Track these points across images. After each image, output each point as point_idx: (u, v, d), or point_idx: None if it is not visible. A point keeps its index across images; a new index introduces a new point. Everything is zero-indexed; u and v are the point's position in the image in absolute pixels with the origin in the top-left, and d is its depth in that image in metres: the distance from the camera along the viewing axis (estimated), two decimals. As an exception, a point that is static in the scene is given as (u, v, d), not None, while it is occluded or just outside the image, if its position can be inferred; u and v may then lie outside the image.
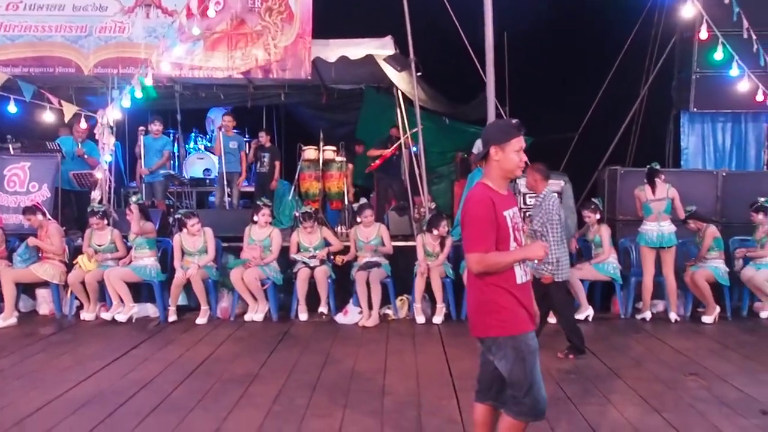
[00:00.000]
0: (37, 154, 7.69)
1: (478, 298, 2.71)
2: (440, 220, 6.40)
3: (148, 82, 7.00)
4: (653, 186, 6.26)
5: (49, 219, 6.71)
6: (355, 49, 7.61)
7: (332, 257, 6.67)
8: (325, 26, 7.65)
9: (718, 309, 6.23)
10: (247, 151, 8.83)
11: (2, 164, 7.44)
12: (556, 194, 5.19)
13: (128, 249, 6.62)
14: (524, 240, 2.82)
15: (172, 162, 9.33)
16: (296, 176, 8.27)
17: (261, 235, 6.59)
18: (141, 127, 8.38)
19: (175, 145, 9.83)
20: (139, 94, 7.09)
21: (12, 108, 7.23)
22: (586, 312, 6.27)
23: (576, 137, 9.28)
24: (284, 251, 6.66)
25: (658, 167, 6.35)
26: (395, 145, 8.33)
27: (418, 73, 7.50)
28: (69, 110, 7.29)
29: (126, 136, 9.08)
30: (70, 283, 6.39)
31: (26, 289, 6.71)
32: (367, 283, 6.24)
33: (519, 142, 2.69)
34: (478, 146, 8.78)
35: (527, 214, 5.78)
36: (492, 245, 2.62)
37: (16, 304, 6.40)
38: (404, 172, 8.57)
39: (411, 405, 4.00)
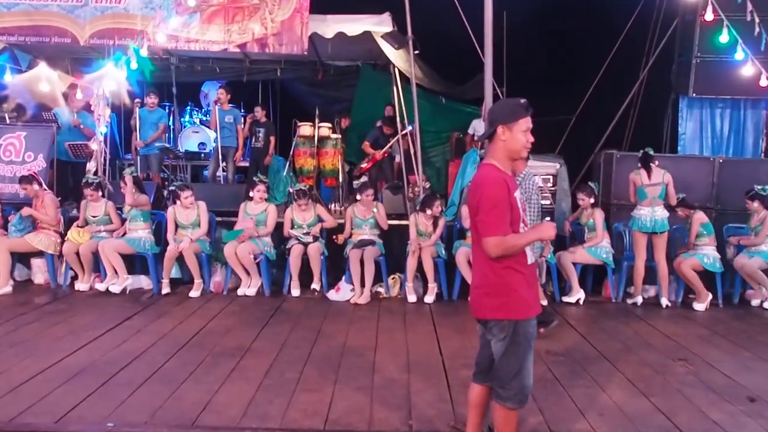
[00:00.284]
0: (33, 124, 7.67)
1: (490, 281, 2.67)
2: (434, 200, 6.41)
3: (144, 53, 6.93)
4: (649, 171, 6.26)
5: (45, 189, 6.71)
6: (353, 25, 7.54)
7: (334, 237, 6.67)
8: (322, 1, 7.55)
9: (710, 296, 6.26)
10: (243, 126, 8.79)
11: (-2, 133, 7.42)
12: (535, 176, 5.20)
13: (123, 221, 6.63)
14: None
15: (167, 135, 9.29)
16: (291, 152, 8.25)
17: (256, 210, 6.60)
18: (137, 100, 8.32)
19: (171, 118, 9.78)
20: (134, 65, 7.03)
21: (8, 77, 7.19)
22: (578, 295, 6.31)
23: (573, 120, 9.24)
24: (278, 227, 6.68)
25: (652, 152, 6.35)
26: (384, 150, 8.31)
27: (416, 52, 7.43)
28: (65, 80, 7.23)
29: (122, 108, 9.01)
30: (64, 253, 6.41)
31: (21, 258, 6.74)
32: (361, 261, 6.26)
33: (527, 123, 2.66)
34: (474, 126, 8.76)
35: None
36: (509, 228, 2.61)
37: (11, 273, 6.44)
38: (399, 152, 8.56)
39: (400, 383, 4.05)
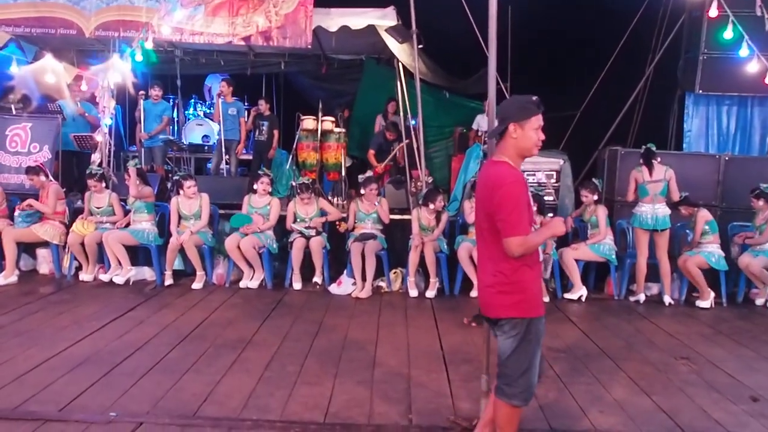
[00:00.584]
0: (39, 115, 7.70)
1: (504, 279, 2.63)
2: (436, 195, 6.41)
3: (149, 45, 6.94)
4: (650, 167, 6.24)
5: (51, 180, 6.73)
6: (357, 19, 7.52)
7: (337, 224, 6.67)
8: (327, -6, 7.55)
9: (713, 294, 6.25)
10: (246, 119, 8.80)
11: (4, 124, 7.47)
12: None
13: (126, 212, 6.66)
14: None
15: (171, 127, 9.30)
16: (294, 146, 8.26)
17: (260, 203, 6.61)
18: (141, 92, 8.34)
19: (175, 110, 9.79)
20: (139, 58, 7.04)
21: (14, 68, 7.21)
22: (580, 292, 6.30)
23: (577, 115, 9.20)
24: (281, 220, 6.69)
25: (654, 148, 6.32)
26: (386, 163, 8.30)
27: (420, 46, 7.41)
28: (70, 72, 7.25)
29: (126, 100, 9.04)
30: (69, 244, 6.44)
31: (27, 248, 6.78)
32: (362, 255, 6.27)
33: (538, 120, 2.62)
34: (477, 122, 8.73)
35: None
36: (529, 227, 2.59)
37: (17, 263, 6.47)
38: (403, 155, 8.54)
39: (401, 377, 4.06)
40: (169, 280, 6.39)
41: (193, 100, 10.55)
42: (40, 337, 4.59)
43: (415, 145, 7.61)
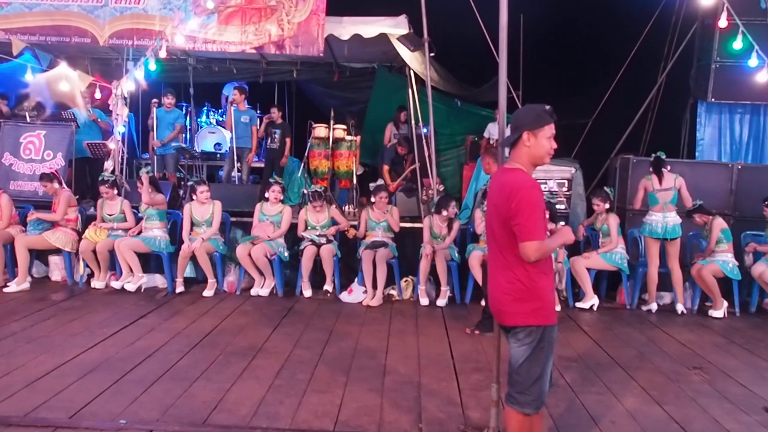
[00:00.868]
0: (52, 123, 7.79)
1: (521, 286, 2.63)
2: (449, 202, 6.40)
3: (162, 55, 7.00)
4: (660, 176, 6.20)
5: (64, 187, 6.79)
6: (369, 27, 7.55)
7: (346, 230, 6.68)
8: (339, 3, 7.57)
9: (726, 304, 6.19)
10: (258, 127, 8.84)
11: (18, 132, 7.56)
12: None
13: (138, 220, 6.70)
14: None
15: (183, 135, 9.37)
16: (306, 154, 8.28)
17: (272, 211, 6.63)
18: (154, 100, 8.41)
19: (188, 118, 9.86)
20: (152, 67, 7.11)
21: (29, 76, 7.31)
22: (591, 301, 6.26)
23: (589, 124, 9.17)
24: (292, 228, 6.71)
25: (664, 156, 6.28)
26: (398, 182, 8.28)
27: (431, 54, 7.42)
28: (84, 80, 7.33)
29: (139, 108, 9.12)
30: (81, 251, 6.49)
31: (39, 255, 6.84)
32: (373, 263, 6.27)
33: (551, 129, 2.66)
34: (489, 130, 8.72)
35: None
36: (546, 232, 2.62)
37: (29, 270, 6.52)
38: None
39: (411, 385, 4.05)
40: (180, 288, 6.42)
41: (205, 108, 10.61)
42: (51, 344, 4.62)
43: (426, 153, 7.61)
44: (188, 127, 9.92)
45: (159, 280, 6.64)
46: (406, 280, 6.61)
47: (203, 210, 6.53)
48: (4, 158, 7.44)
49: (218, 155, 9.67)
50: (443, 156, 9.48)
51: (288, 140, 8.56)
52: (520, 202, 2.55)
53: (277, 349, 4.69)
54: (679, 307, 6.25)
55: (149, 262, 6.72)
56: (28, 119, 7.87)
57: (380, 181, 8.06)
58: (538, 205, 2.57)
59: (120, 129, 7.50)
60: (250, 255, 6.33)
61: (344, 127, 8.26)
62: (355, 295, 6.34)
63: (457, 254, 6.49)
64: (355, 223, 6.83)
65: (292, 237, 6.75)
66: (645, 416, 3.68)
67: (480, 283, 6.09)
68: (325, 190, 6.99)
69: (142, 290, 6.39)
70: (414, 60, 7.97)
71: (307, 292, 6.44)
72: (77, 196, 7.07)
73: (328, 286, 6.49)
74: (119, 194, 6.79)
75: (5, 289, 6.22)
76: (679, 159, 7.79)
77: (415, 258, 6.54)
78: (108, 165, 7.33)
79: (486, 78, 8.77)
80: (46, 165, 7.33)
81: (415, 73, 8.15)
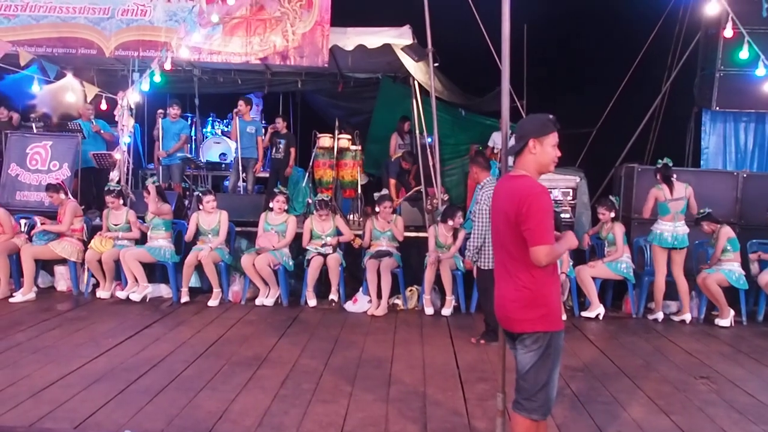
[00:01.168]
0: (58, 133, 7.84)
1: (528, 293, 2.64)
2: (456, 211, 6.40)
3: (167, 66, 7.05)
4: (670, 185, 6.18)
5: (69, 198, 6.82)
6: (373, 37, 7.60)
7: (351, 240, 6.68)
8: (343, 14, 7.63)
9: (732, 313, 6.15)
10: (263, 137, 8.88)
11: (25, 143, 7.61)
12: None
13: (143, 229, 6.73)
14: None
15: (189, 146, 9.42)
16: (310, 163, 8.31)
17: (277, 221, 6.65)
18: (159, 110, 8.46)
19: (193, 129, 9.91)
20: (158, 78, 7.16)
21: (35, 88, 7.36)
22: (597, 310, 6.23)
23: (594, 132, 9.18)
24: (297, 237, 6.71)
25: (670, 164, 6.27)
26: (405, 198, 8.30)
27: (436, 64, 7.46)
28: (90, 91, 7.39)
29: (145, 119, 9.18)
30: (87, 261, 6.51)
31: (45, 265, 6.86)
32: (378, 273, 6.26)
33: (555, 137, 2.71)
34: (493, 139, 8.73)
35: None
36: (554, 237, 2.64)
37: (35, 280, 6.53)
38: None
39: (416, 395, 4.03)
40: (185, 298, 6.43)
41: (210, 119, 10.68)
42: (56, 354, 4.62)
43: (431, 163, 7.62)
44: (193, 138, 9.97)
45: (164, 290, 6.65)
46: (411, 290, 6.60)
47: (210, 219, 6.55)
48: (11, 169, 7.48)
49: (223, 165, 9.72)
50: (448, 165, 9.49)
51: (293, 150, 8.59)
52: (530, 207, 2.58)
53: (282, 358, 4.68)
54: (687, 317, 6.22)
55: (154, 272, 6.73)
56: (35, 130, 7.93)
57: (384, 191, 8.06)
58: (548, 210, 2.60)
59: (125, 139, 7.55)
60: (254, 265, 6.33)
61: (349, 137, 8.29)
62: (359, 304, 6.33)
63: (462, 263, 6.47)
64: (360, 232, 6.84)
65: (297, 247, 6.76)
66: (652, 426, 3.65)
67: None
68: (330, 199, 7.00)
69: (147, 300, 6.40)
70: (418, 70, 8.01)
71: (312, 302, 6.44)
72: (83, 207, 7.10)
73: (333, 296, 6.48)
74: (125, 204, 6.82)
75: (11, 300, 6.23)
76: (684, 167, 7.77)
77: (420, 267, 6.54)
78: (114, 175, 7.36)
79: (490, 87, 8.80)
80: (52, 175, 7.36)
81: (419, 83, 8.19)
